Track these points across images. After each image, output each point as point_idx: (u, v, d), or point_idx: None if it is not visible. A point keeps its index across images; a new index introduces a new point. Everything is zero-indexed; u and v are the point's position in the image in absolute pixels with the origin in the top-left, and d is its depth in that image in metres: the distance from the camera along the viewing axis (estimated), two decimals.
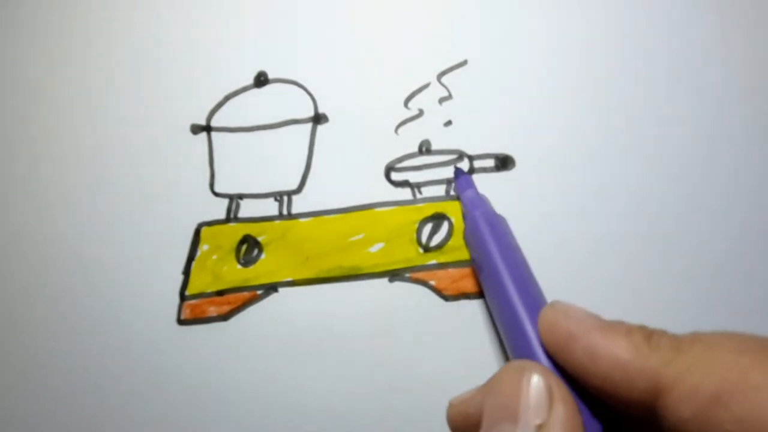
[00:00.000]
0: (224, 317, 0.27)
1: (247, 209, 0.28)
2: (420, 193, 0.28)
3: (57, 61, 0.31)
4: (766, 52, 0.28)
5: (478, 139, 0.28)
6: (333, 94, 0.30)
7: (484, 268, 0.22)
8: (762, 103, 0.27)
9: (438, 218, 0.27)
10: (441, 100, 0.29)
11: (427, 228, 0.27)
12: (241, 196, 0.29)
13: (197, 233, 0.28)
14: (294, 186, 0.29)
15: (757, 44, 0.28)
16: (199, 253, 0.28)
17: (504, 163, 0.28)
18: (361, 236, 0.27)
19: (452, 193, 0.27)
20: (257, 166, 0.29)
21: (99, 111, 0.31)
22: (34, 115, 0.31)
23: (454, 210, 0.27)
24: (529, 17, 0.30)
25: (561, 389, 0.15)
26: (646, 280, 0.25)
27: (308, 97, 0.30)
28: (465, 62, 0.29)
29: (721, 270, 0.25)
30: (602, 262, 0.26)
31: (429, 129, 0.29)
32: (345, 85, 0.30)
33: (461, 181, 0.27)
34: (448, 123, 0.29)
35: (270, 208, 0.28)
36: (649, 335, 0.14)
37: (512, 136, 0.28)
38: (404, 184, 0.28)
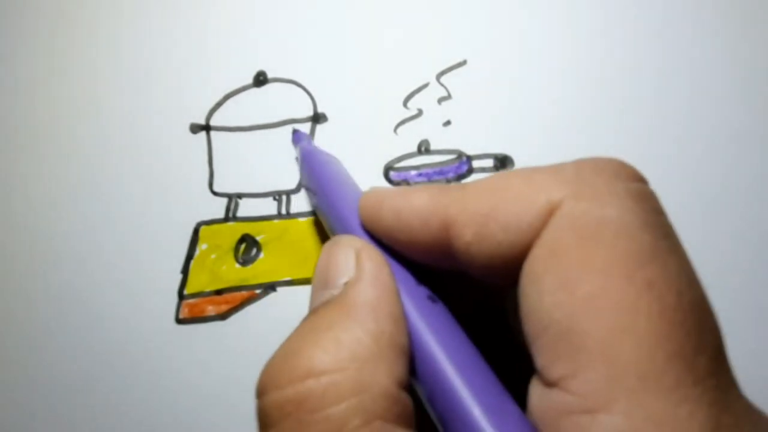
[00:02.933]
0: (223, 316, 0.27)
1: (246, 208, 0.28)
2: None
3: (56, 61, 0.31)
4: None
5: (477, 138, 0.28)
6: (332, 94, 0.30)
7: (317, 191, 0.22)
8: (765, 104, 0.27)
9: None
10: (440, 100, 0.29)
11: None
12: (240, 196, 0.29)
13: (196, 232, 0.28)
14: (293, 185, 0.29)
15: (761, 45, 0.28)
16: (197, 252, 0.28)
17: (503, 162, 0.28)
18: None
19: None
20: (256, 165, 0.29)
21: (98, 110, 0.30)
22: (33, 115, 0.31)
23: None
24: (529, 17, 0.30)
25: (369, 251, 0.15)
26: None
27: (307, 96, 0.30)
28: (464, 62, 0.29)
29: (722, 269, 0.25)
30: None
31: (428, 129, 0.29)
32: (344, 84, 0.30)
33: (297, 136, 0.28)
34: (447, 123, 0.29)
35: (269, 207, 0.28)
36: (445, 185, 0.15)
37: (511, 136, 0.28)
38: (403, 183, 0.28)
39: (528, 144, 0.28)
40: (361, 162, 0.28)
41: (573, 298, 0.11)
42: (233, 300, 0.27)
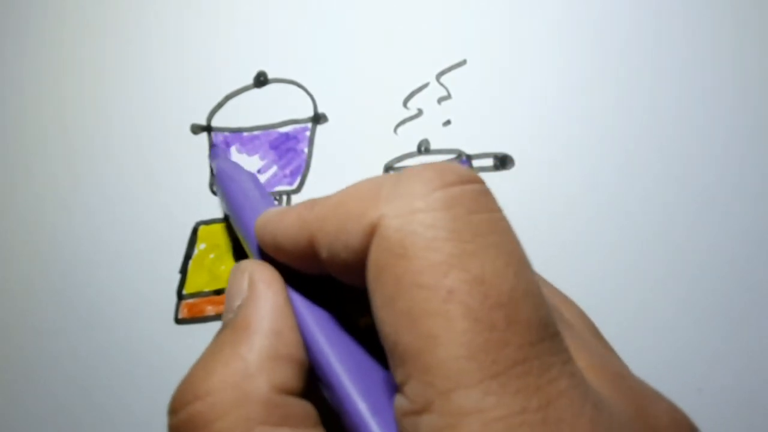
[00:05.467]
0: (222, 317, 0.27)
1: None
2: None
3: (58, 62, 0.32)
4: None
5: (477, 138, 0.28)
6: (332, 94, 0.30)
7: (228, 211, 0.24)
8: (764, 104, 0.27)
9: None
10: (440, 100, 0.29)
11: None
12: None
13: (194, 232, 0.28)
14: (293, 185, 0.29)
15: (760, 44, 0.28)
16: (196, 252, 0.28)
17: (503, 162, 0.28)
18: None
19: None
20: (257, 165, 0.29)
21: (99, 111, 0.31)
22: (35, 115, 0.31)
23: None
24: (529, 17, 0.30)
25: (260, 272, 0.17)
26: (646, 279, 0.25)
27: (308, 96, 0.30)
28: (464, 62, 0.29)
29: (723, 270, 0.25)
30: (602, 261, 0.25)
31: (428, 129, 0.29)
32: (344, 84, 0.30)
33: (213, 152, 0.28)
34: (447, 123, 0.29)
35: None
36: (315, 200, 0.16)
37: (511, 136, 0.28)
38: None
39: (528, 143, 0.28)
40: (361, 162, 0.28)
41: (393, 314, 0.12)
42: None
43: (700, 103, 0.27)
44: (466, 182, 0.13)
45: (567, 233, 0.26)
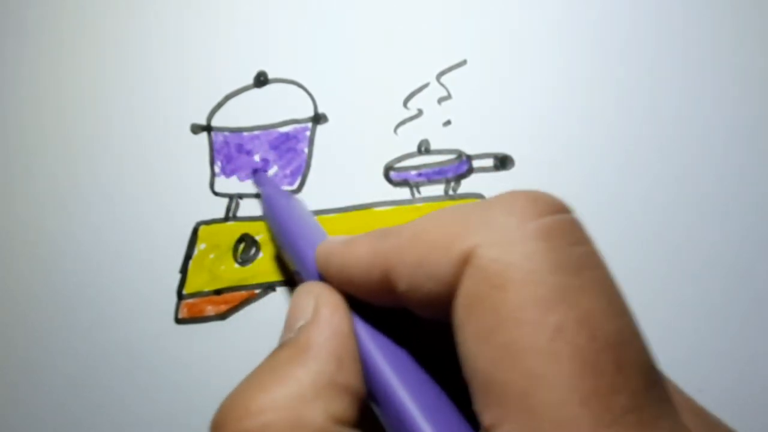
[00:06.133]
0: (222, 316, 0.27)
1: (246, 209, 0.28)
2: (419, 192, 0.28)
3: (57, 62, 0.32)
4: None
5: (477, 138, 0.28)
6: (332, 94, 0.30)
7: (280, 237, 0.23)
8: (763, 103, 0.27)
9: None
10: (440, 100, 0.29)
11: None
12: (240, 196, 0.29)
13: (195, 232, 0.28)
14: (294, 185, 0.29)
15: (759, 43, 0.28)
16: (196, 252, 0.28)
17: (503, 162, 0.28)
18: None
19: (451, 192, 0.27)
20: (257, 165, 0.29)
21: (99, 111, 0.31)
22: (35, 115, 0.31)
23: None
24: (529, 17, 0.30)
25: (327, 296, 0.16)
26: (646, 279, 0.25)
27: (308, 96, 0.30)
28: (464, 62, 0.29)
29: (723, 270, 0.25)
30: None
31: (428, 129, 0.29)
32: (344, 84, 0.30)
33: (257, 178, 0.28)
34: (447, 123, 0.29)
35: None
36: (386, 230, 0.15)
37: (512, 136, 0.28)
38: (403, 183, 0.28)
39: (528, 143, 0.28)
40: (362, 162, 0.28)
41: (490, 348, 0.12)
42: (232, 300, 0.27)
43: (700, 103, 0.27)
44: (559, 211, 0.13)
45: None
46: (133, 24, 0.32)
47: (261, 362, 0.15)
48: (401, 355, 0.15)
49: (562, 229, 0.13)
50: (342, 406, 0.14)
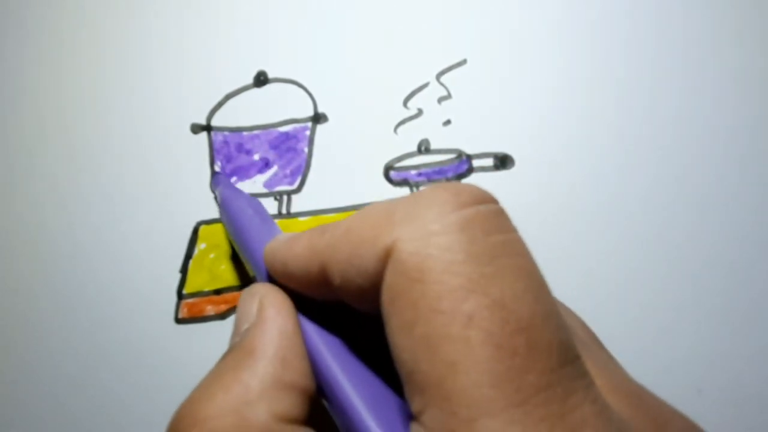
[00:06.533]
0: (221, 316, 0.27)
1: None
2: None
3: (57, 61, 0.32)
4: None
5: (477, 138, 0.28)
6: (332, 94, 0.30)
7: (234, 238, 0.23)
8: (763, 103, 0.27)
9: None
10: (440, 100, 0.29)
11: None
12: None
13: (195, 232, 0.28)
14: (294, 185, 0.29)
15: (759, 43, 0.28)
16: (196, 251, 0.28)
17: (503, 162, 0.28)
18: None
19: None
20: (257, 165, 0.29)
21: (99, 110, 0.31)
22: (35, 115, 0.31)
23: None
24: (528, 16, 0.29)
25: (271, 296, 0.16)
26: (645, 280, 0.25)
27: (308, 96, 0.30)
28: (464, 62, 0.29)
29: (723, 270, 0.25)
30: (601, 261, 0.25)
31: (428, 128, 0.29)
32: (344, 84, 0.30)
33: (215, 180, 0.28)
34: (447, 122, 0.29)
35: (269, 207, 0.28)
36: (324, 227, 0.16)
37: (511, 136, 0.28)
38: (403, 183, 0.28)
39: (528, 143, 0.28)
40: (362, 162, 0.28)
41: (411, 340, 0.12)
42: (232, 300, 0.27)
43: (700, 102, 0.27)
44: (481, 202, 0.13)
45: (567, 233, 0.26)
46: (133, 24, 0.32)
47: (210, 369, 0.16)
48: (346, 350, 0.16)
49: (480, 219, 0.13)
50: (287, 404, 0.14)
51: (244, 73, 0.30)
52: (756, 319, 0.24)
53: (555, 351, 0.12)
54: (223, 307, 0.27)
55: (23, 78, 0.32)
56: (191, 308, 0.27)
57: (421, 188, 0.14)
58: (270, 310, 0.16)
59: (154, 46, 0.31)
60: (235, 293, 0.27)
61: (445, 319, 0.12)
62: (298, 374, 0.15)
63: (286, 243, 0.17)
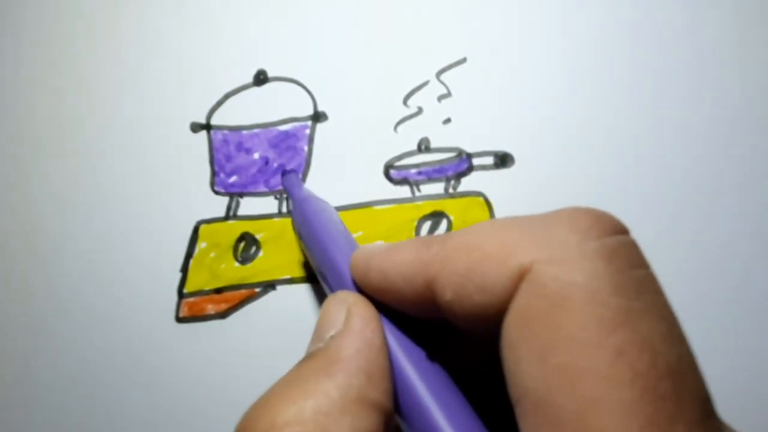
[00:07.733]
0: (222, 315, 0.27)
1: (246, 207, 0.28)
2: (419, 191, 0.28)
3: (57, 61, 0.32)
4: None
5: (477, 136, 0.28)
6: (332, 93, 0.30)
7: (310, 243, 0.23)
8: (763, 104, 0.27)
9: (437, 216, 0.27)
10: (440, 98, 0.29)
11: (426, 226, 0.27)
12: (241, 194, 0.29)
13: (195, 231, 0.28)
14: None
15: (760, 43, 0.28)
16: (196, 250, 0.28)
17: (503, 160, 0.28)
18: (359, 234, 0.27)
19: (451, 191, 0.27)
20: (257, 164, 0.29)
21: (99, 110, 0.31)
22: (35, 114, 0.31)
23: (452, 208, 0.27)
24: (529, 15, 0.29)
25: (360, 306, 0.16)
26: None
27: (308, 95, 0.30)
28: (464, 60, 0.29)
29: (723, 270, 0.25)
30: None
31: (428, 127, 0.29)
32: (344, 83, 0.30)
33: (287, 179, 0.28)
34: (448, 121, 0.29)
35: (270, 206, 0.28)
36: (429, 239, 0.15)
37: (512, 134, 0.28)
38: (403, 182, 0.28)
39: (528, 141, 0.28)
40: (362, 160, 0.28)
41: (546, 369, 0.11)
42: (233, 298, 0.27)
43: (701, 102, 0.27)
44: (620, 232, 0.13)
45: None
46: (133, 23, 0.32)
47: (289, 371, 0.15)
48: (433, 371, 0.15)
49: (624, 250, 0.12)
50: (369, 423, 0.14)
51: (243, 71, 0.30)
52: (756, 320, 0.24)
53: (700, 401, 0.11)
54: (224, 306, 0.27)
55: (22, 78, 0.32)
56: (192, 307, 0.27)
57: (555, 210, 0.14)
58: (358, 321, 0.15)
59: (153, 45, 0.31)
60: (235, 292, 0.27)
61: (590, 352, 0.11)
62: (381, 392, 0.14)
63: (387, 252, 0.16)
